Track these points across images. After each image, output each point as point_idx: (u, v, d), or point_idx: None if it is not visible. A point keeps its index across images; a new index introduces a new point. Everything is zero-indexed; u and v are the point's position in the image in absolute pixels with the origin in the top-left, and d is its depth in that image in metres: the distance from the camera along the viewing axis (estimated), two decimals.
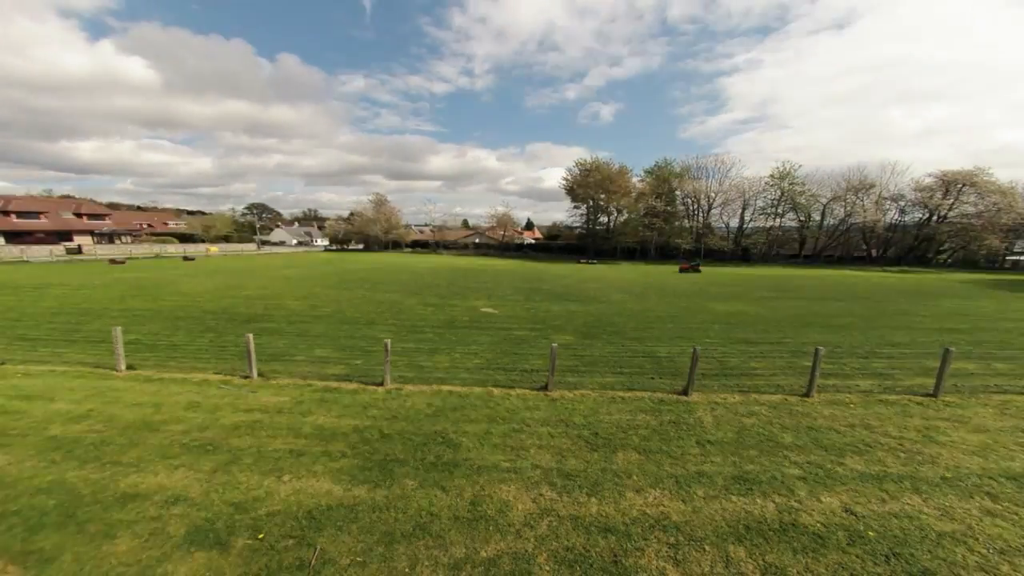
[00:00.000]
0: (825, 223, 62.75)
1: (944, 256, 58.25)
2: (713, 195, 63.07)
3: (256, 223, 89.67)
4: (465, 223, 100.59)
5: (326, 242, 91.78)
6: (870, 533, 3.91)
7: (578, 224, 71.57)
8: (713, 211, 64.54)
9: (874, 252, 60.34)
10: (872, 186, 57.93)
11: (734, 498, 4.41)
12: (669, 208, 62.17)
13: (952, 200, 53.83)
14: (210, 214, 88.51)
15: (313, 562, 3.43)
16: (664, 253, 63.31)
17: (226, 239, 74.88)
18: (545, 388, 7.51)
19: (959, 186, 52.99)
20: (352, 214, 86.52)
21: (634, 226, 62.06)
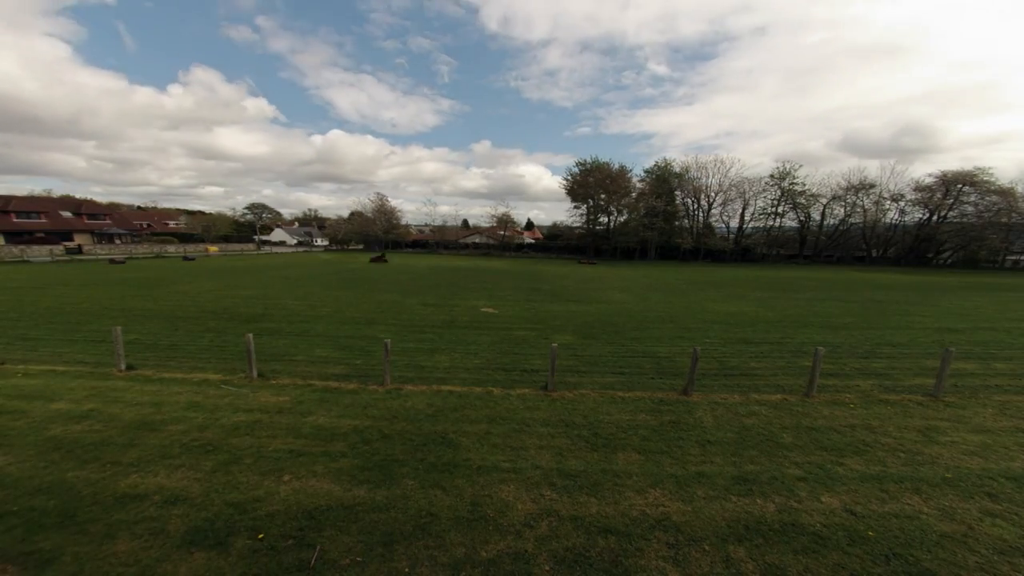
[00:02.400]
0: (825, 223, 62.76)
1: (944, 256, 58.26)
2: (713, 195, 63.06)
3: (256, 223, 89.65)
4: (465, 223, 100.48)
5: (326, 242, 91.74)
6: (870, 533, 3.91)
7: (578, 224, 71.50)
8: (713, 211, 64.58)
9: (874, 252, 60.33)
10: (872, 186, 57.95)
11: (734, 498, 4.41)
12: (669, 208, 62.14)
13: (952, 200, 53.83)
14: (210, 214, 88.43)
15: (313, 562, 3.43)
16: (664, 253, 63.30)
17: (226, 239, 74.83)
18: (545, 388, 7.51)
19: (959, 186, 52.99)
20: (352, 214, 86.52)
21: (634, 226, 61.99)
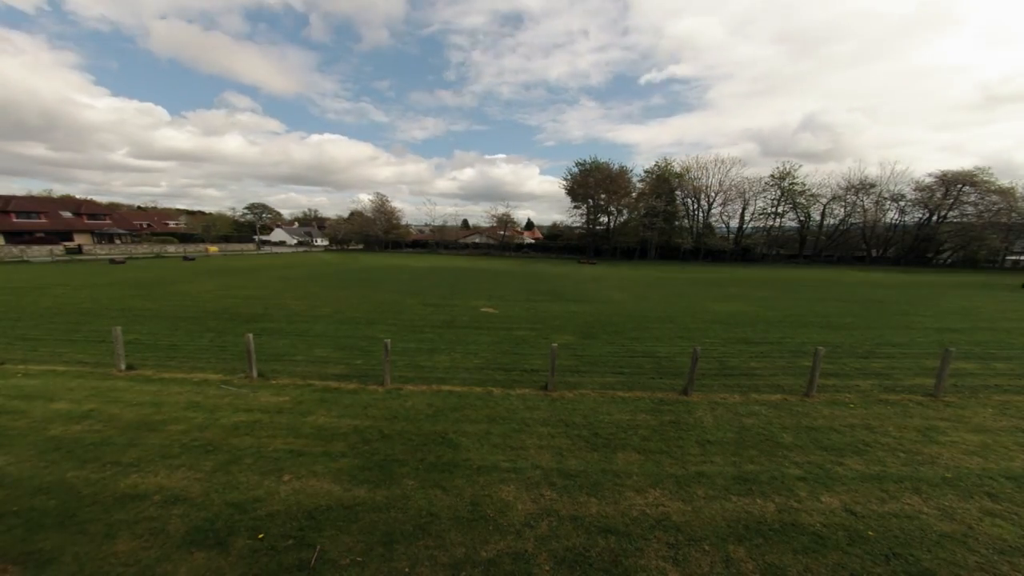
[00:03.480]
0: (825, 223, 62.80)
1: (944, 256, 58.30)
2: (713, 195, 63.11)
3: (256, 223, 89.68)
4: (465, 223, 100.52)
5: (326, 242, 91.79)
6: (870, 533, 3.91)
7: (578, 224, 71.55)
8: (713, 211, 64.64)
9: (874, 252, 60.37)
10: (872, 186, 58.03)
11: (734, 498, 4.41)
12: (669, 208, 62.15)
13: (952, 200, 53.88)
14: (210, 214, 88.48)
15: (313, 562, 3.43)
16: (664, 253, 63.32)
17: (226, 239, 74.88)
18: (545, 388, 7.51)
19: (959, 186, 53.04)
20: (352, 213, 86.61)
21: (634, 226, 62.05)
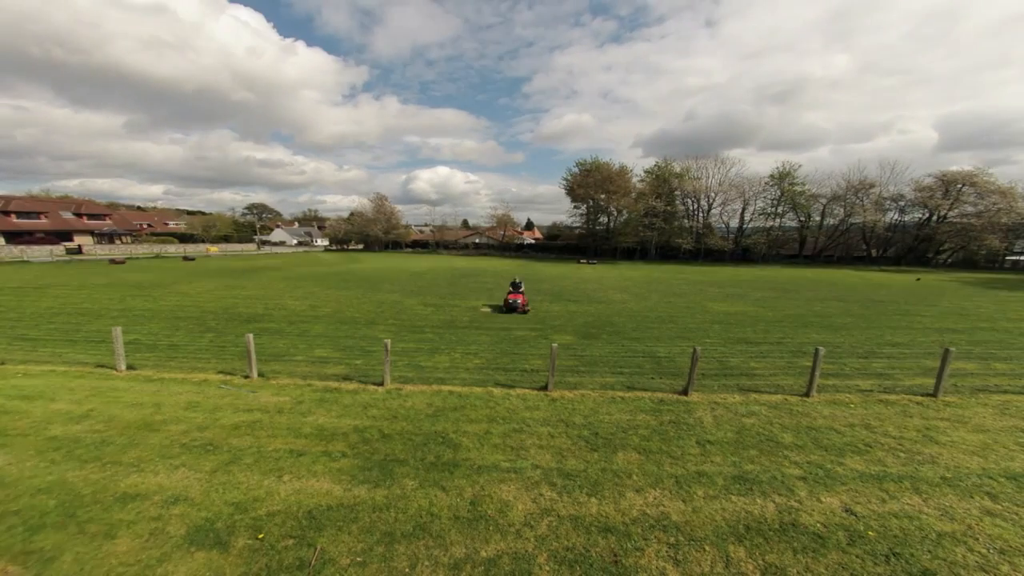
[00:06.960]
0: (825, 223, 62.70)
1: (944, 256, 58.25)
2: (713, 195, 63.02)
3: (256, 223, 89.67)
4: (465, 223, 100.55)
5: (326, 242, 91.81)
6: (870, 533, 3.91)
7: (578, 224, 71.51)
8: (713, 211, 64.53)
9: (874, 252, 60.32)
10: (872, 186, 57.91)
11: (734, 498, 4.41)
12: (669, 208, 62.09)
13: (952, 200, 53.79)
14: (210, 214, 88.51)
15: (313, 562, 3.44)
16: (664, 253, 63.27)
17: (226, 239, 74.88)
18: (545, 388, 7.51)
19: (959, 186, 52.97)
20: (352, 214, 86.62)
21: (634, 226, 61.98)
